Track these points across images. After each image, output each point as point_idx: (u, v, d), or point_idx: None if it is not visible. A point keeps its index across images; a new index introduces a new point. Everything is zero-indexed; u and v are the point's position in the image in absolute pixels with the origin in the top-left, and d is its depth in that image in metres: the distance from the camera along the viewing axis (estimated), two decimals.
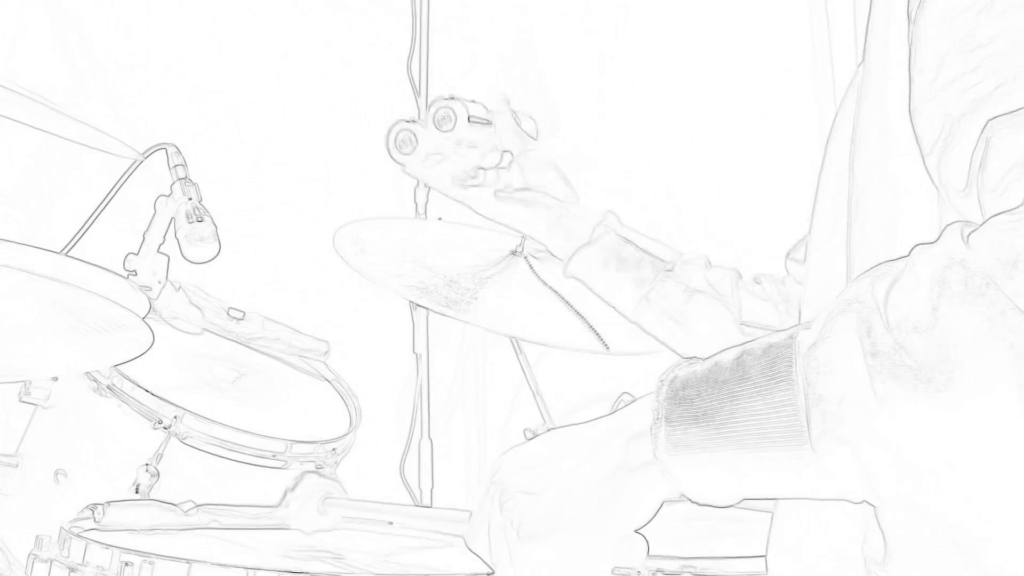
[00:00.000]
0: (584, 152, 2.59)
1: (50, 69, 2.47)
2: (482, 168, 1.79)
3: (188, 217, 2.00)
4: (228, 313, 2.19)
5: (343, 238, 2.11)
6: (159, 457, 1.98)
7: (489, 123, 1.80)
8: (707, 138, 2.60)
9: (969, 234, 0.98)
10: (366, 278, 2.11)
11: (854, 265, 1.20)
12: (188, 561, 1.60)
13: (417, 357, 2.56)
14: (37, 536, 1.71)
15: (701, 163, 2.60)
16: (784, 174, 2.59)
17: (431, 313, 2.52)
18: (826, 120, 2.60)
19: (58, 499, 1.98)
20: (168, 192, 2.03)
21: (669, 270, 1.74)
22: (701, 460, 1.09)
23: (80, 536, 1.67)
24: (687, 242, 1.81)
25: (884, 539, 1.13)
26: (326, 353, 2.30)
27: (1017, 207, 0.98)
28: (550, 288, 2.09)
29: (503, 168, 1.79)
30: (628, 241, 1.76)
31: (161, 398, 2.00)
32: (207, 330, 2.18)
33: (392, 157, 1.84)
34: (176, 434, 1.99)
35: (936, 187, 1.10)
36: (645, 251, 1.75)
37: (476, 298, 2.08)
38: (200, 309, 2.15)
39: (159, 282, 2.06)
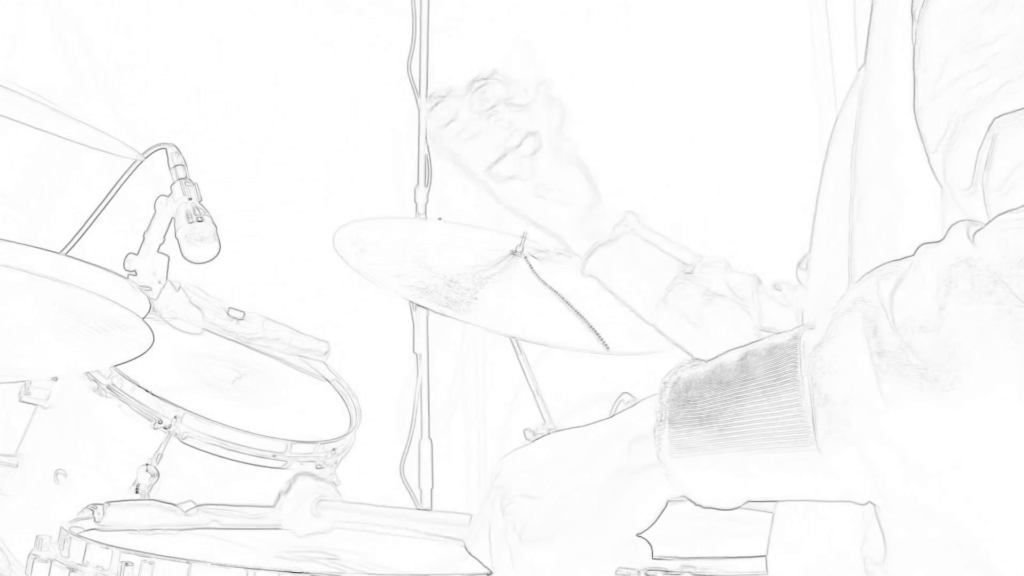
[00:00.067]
0: (584, 152, 2.59)
1: (50, 69, 2.46)
2: (508, 149, 1.78)
3: (188, 217, 2.00)
4: (228, 313, 2.19)
5: (343, 238, 2.11)
6: (159, 457, 1.98)
7: (527, 106, 1.79)
8: (707, 138, 2.60)
9: (975, 233, 0.98)
10: (366, 278, 2.11)
11: (856, 266, 1.20)
12: (188, 561, 1.60)
13: (417, 357, 2.56)
14: (37, 536, 1.71)
15: (701, 163, 2.60)
16: (784, 174, 2.59)
17: (431, 313, 2.52)
18: (826, 120, 2.60)
19: (58, 499, 1.98)
20: (168, 192, 2.03)
21: (689, 272, 1.73)
22: (705, 462, 1.08)
23: (80, 536, 1.66)
24: (687, 243, 1.81)
25: (884, 539, 1.13)
26: (326, 353, 2.30)
27: (1023, 205, 0.98)
28: (550, 288, 2.09)
29: (530, 155, 1.78)
30: (647, 241, 1.76)
31: (161, 398, 2.00)
32: (207, 330, 2.18)
33: (428, 128, 1.83)
34: (176, 434, 1.99)
35: (940, 186, 1.09)
36: (664, 252, 1.75)
37: (476, 298, 2.08)
38: (200, 309, 2.15)
39: (159, 282, 2.06)
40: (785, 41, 2.60)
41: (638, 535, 1.16)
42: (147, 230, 2.05)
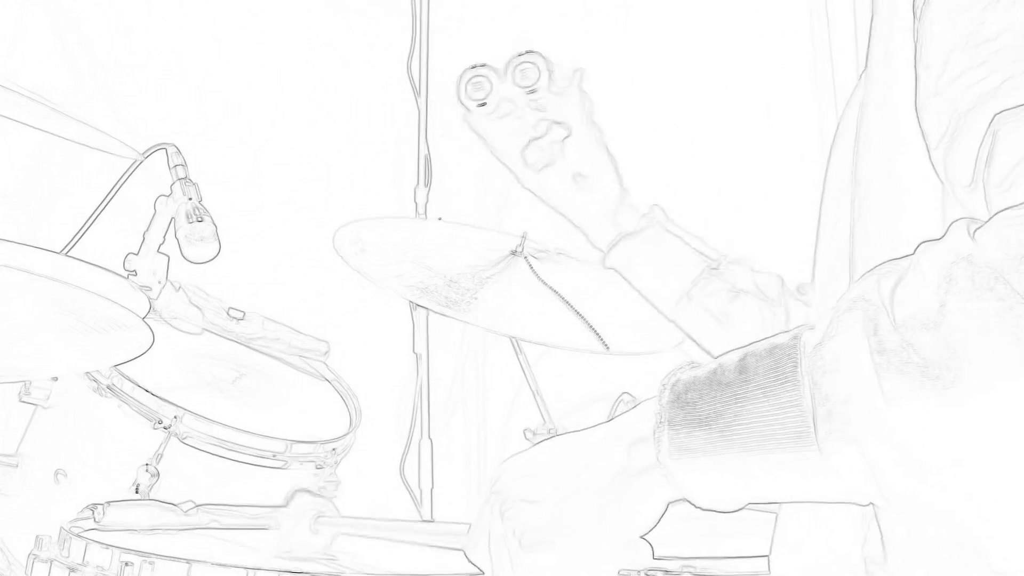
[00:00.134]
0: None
1: (50, 69, 2.46)
2: (535, 137, 1.76)
3: (188, 217, 2.00)
4: (228, 313, 2.19)
5: (343, 238, 2.11)
6: (159, 457, 1.98)
7: (563, 93, 1.77)
8: (707, 138, 2.60)
9: (975, 230, 0.98)
10: (366, 278, 2.11)
11: (857, 265, 1.20)
12: (188, 561, 1.60)
13: (417, 357, 2.56)
14: (37, 536, 1.71)
15: (701, 163, 2.60)
16: (784, 174, 2.59)
17: (431, 313, 2.52)
18: (826, 120, 2.59)
19: (58, 499, 1.98)
20: (168, 192, 2.03)
21: (715, 268, 1.72)
22: (704, 464, 1.08)
23: (80, 536, 1.66)
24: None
25: (882, 538, 1.13)
26: (326, 353, 2.30)
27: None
28: (550, 288, 2.09)
29: (559, 142, 1.76)
30: (672, 235, 1.74)
31: (161, 398, 2.00)
32: (207, 330, 2.18)
33: (461, 102, 1.79)
34: (176, 434, 1.99)
35: (942, 183, 1.09)
36: (690, 246, 1.74)
37: (476, 298, 2.07)
38: (200, 309, 2.15)
39: (159, 282, 2.06)
40: (785, 41, 2.60)
41: (640, 537, 1.15)
42: (147, 230, 2.05)
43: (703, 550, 1.69)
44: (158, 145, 2.07)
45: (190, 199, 2.01)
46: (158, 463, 1.98)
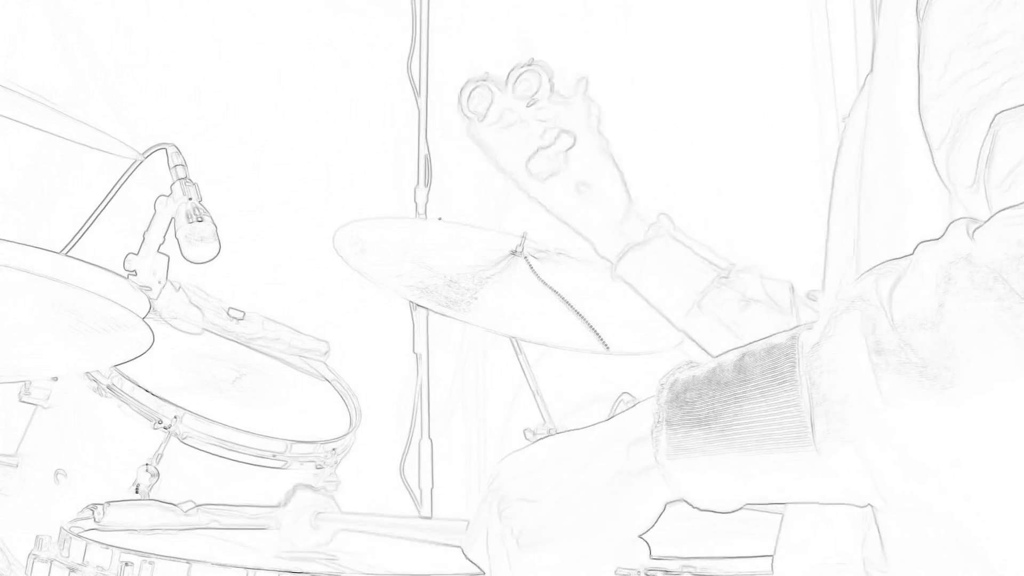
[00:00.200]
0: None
1: (50, 69, 2.46)
2: (542, 147, 1.76)
3: (188, 217, 2.00)
4: (228, 313, 2.19)
5: (343, 238, 2.11)
6: (159, 457, 1.98)
7: (566, 102, 1.77)
8: (707, 138, 2.60)
9: (975, 230, 0.98)
10: (366, 278, 2.11)
11: (863, 268, 1.19)
12: (188, 561, 1.60)
13: (417, 357, 2.56)
14: (37, 536, 1.71)
15: (701, 163, 2.60)
16: (784, 174, 2.59)
17: (431, 313, 2.52)
18: (826, 120, 2.60)
19: (58, 499, 1.98)
20: (168, 192, 2.03)
21: (724, 277, 1.72)
22: (703, 464, 1.08)
23: (80, 536, 1.66)
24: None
25: (880, 539, 1.13)
26: (326, 353, 2.30)
27: (1023, 202, 0.97)
28: (550, 288, 2.09)
29: (565, 151, 1.76)
30: (681, 244, 1.74)
31: (161, 398, 2.00)
32: (207, 330, 2.18)
33: (463, 114, 1.79)
34: (176, 434, 1.99)
35: (945, 184, 1.09)
36: (698, 256, 1.73)
37: (476, 298, 2.07)
38: (200, 309, 2.15)
39: (159, 282, 2.06)
40: (785, 41, 2.60)
41: (638, 537, 1.15)
42: (147, 230, 2.05)
43: (703, 550, 1.69)
44: (158, 145, 2.07)
45: (190, 199, 2.01)
46: (158, 463, 1.98)
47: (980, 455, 0.98)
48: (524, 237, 2.10)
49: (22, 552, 1.80)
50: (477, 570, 1.24)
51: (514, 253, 2.12)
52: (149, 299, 1.97)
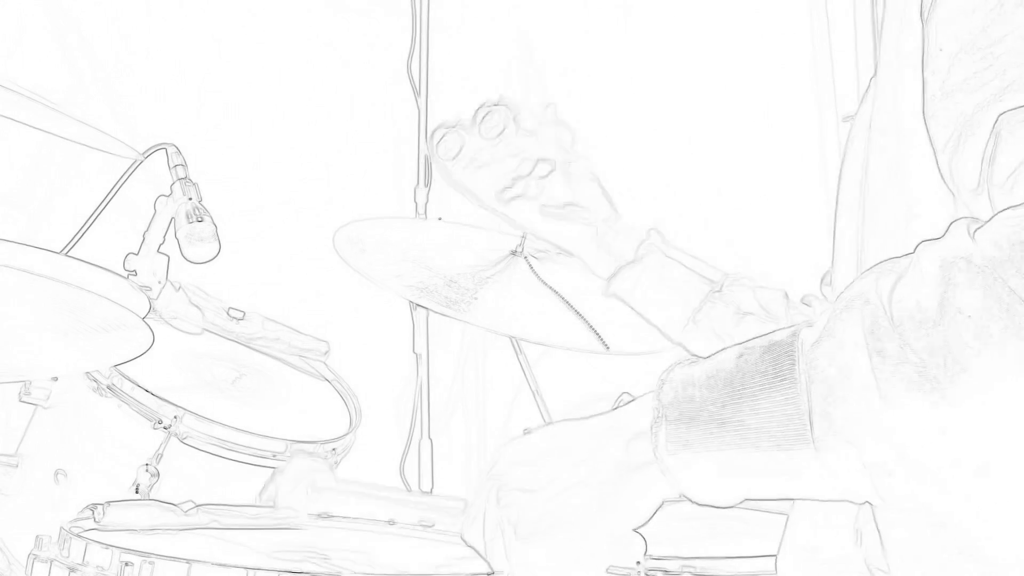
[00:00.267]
0: (583, 152, 2.59)
1: (50, 69, 2.47)
2: (519, 177, 1.78)
3: (188, 217, 2.00)
4: (228, 313, 2.19)
5: (343, 238, 2.11)
6: (159, 457, 1.98)
7: (535, 133, 1.79)
8: (707, 138, 2.60)
9: (975, 230, 0.98)
10: (366, 278, 2.11)
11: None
12: (188, 561, 1.60)
13: (417, 357, 2.56)
14: (37, 536, 1.71)
15: (701, 163, 2.60)
16: (784, 175, 2.59)
17: (431, 313, 2.52)
18: (826, 120, 2.60)
19: (58, 499, 1.98)
20: (168, 192, 2.03)
21: (717, 291, 1.72)
22: (702, 459, 1.08)
23: (80, 536, 1.66)
24: (686, 244, 1.80)
25: (880, 539, 1.13)
26: (326, 353, 2.30)
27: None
28: (550, 288, 2.09)
29: (542, 178, 1.77)
30: (673, 260, 1.75)
31: (161, 398, 2.00)
32: (207, 330, 2.18)
33: (435, 162, 1.82)
34: (176, 434, 1.99)
35: (949, 188, 1.09)
36: (690, 270, 1.74)
37: (476, 298, 2.08)
38: (200, 309, 2.15)
39: (159, 282, 2.06)
40: (785, 41, 2.60)
41: (633, 531, 1.16)
42: (147, 230, 2.05)
43: (703, 550, 1.69)
44: (158, 145, 2.07)
45: (190, 199, 2.01)
46: (158, 463, 1.98)
47: (980, 455, 0.98)
48: (524, 237, 2.10)
49: (22, 552, 1.80)
50: (479, 570, 1.25)
51: (514, 253, 2.12)
52: (149, 299, 1.97)
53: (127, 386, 2.00)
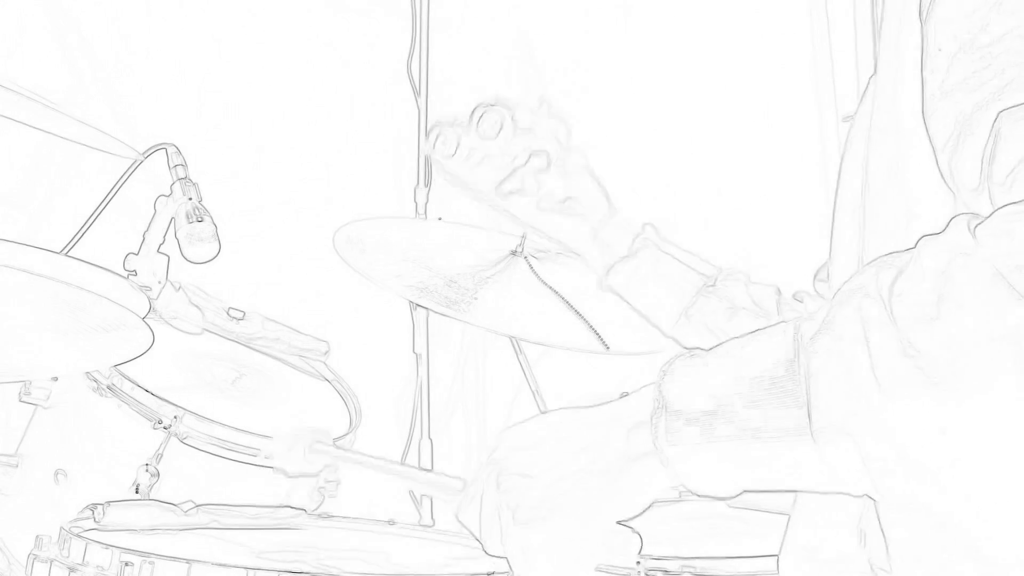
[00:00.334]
0: (583, 152, 2.59)
1: (50, 69, 2.46)
2: (517, 168, 1.78)
3: (188, 217, 2.00)
4: (228, 313, 2.19)
5: (343, 238, 2.11)
6: (159, 457, 1.98)
7: (532, 130, 1.80)
8: (707, 138, 2.60)
9: (976, 226, 0.98)
10: (366, 278, 2.11)
11: None
12: (188, 561, 1.60)
13: (417, 357, 2.56)
14: (37, 536, 1.71)
15: (701, 163, 2.60)
16: (784, 174, 2.59)
17: (431, 313, 2.52)
18: (826, 120, 2.60)
19: (58, 499, 1.98)
20: (168, 192, 2.03)
21: (711, 286, 1.73)
22: (701, 451, 1.09)
23: (80, 536, 1.66)
24: (686, 244, 1.81)
25: (884, 538, 1.13)
26: (326, 353, 2.30)
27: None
28: (550, 288, 2.09)
29: (539, 172, 1.78)
30: (667, 255, 1.76)
31: (161, 398, 2.00)
32: (207, 330, 2.18)
33: (433, 159, 1.83)
34: (176, 434, 1.99)
35: (949, 187, 1.09)
36: (685, 265, 1.75)
37: (476, 298, 2.08)
38: (200, 309, 2.14)
39: (159, 282, 2.06)
40: (785, 41, 2.60)
41: (624, 524, 1.16)
42: (147, 230, 2.05)
43: (703, 550, 1.70)
44: (158, 145, 2.07)
45: (190, 199, 2.01)
46: (158, 463, 1.98)
47: (979, 454, 0.98)
48: (524, 237, 2.10)
49: (22, 552, 1.80)
50: (478, 569, 1.25)
51: (514, 253, 2.12)
52: (149, 299, 1.97)
53: (127, 386, 1.99)
